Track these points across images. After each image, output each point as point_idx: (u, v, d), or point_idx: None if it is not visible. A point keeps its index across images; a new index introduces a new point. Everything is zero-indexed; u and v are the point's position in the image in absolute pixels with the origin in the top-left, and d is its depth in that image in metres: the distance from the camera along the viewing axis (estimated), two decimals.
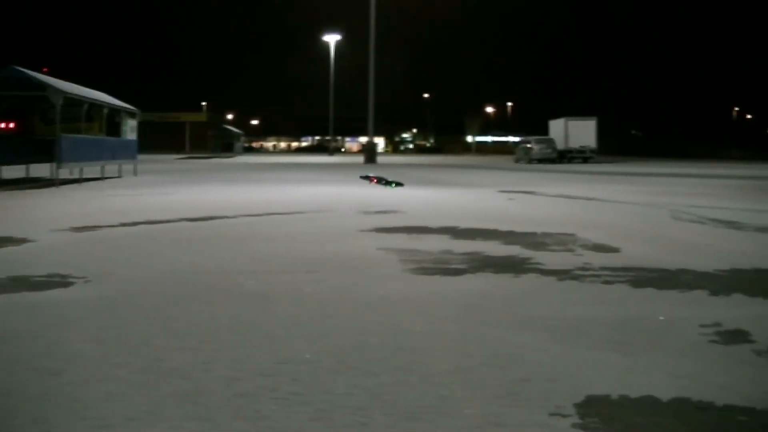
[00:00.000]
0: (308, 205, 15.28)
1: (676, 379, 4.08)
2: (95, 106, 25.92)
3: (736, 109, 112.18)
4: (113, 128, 28.34)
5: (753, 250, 9.22)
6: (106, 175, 26.47)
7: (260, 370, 4.18)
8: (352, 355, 4.49)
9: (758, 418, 3.55)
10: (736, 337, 5.00)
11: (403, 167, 43.46)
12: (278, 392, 3.82)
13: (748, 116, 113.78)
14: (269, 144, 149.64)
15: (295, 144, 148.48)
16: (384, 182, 23.68)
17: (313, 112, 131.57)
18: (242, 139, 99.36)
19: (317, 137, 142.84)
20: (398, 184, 22.92)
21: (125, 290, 6.44)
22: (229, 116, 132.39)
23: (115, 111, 28.51)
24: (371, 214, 13.51)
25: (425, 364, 4.32)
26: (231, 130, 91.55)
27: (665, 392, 3.84)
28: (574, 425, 3.41)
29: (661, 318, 5.52)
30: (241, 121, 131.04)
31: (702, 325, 5.27)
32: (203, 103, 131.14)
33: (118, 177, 26.89)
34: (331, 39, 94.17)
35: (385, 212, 13.82)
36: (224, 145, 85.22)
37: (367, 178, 25.77)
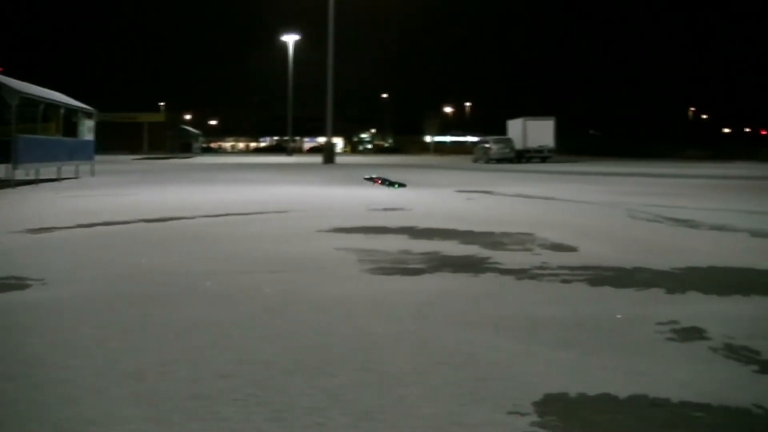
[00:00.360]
0: (266, 206, 15.22)
1: (633, 376, 4.11)
2: (52, 106, 25.69)
3: (693, 109, 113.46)
4: (70, 129, 28.09)
5: (708, 248, 9.31)
6: (63, 176, 26.22)
7: (218, 371, 4.16)
8: (310, 355, 4.47)
9: (713, 414, 3.58)
10: (692, 334, 5.04)
11: (362, 168, 43.43)
12: (236, 393, 3.80)
13: (704, 116, 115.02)
14: (228, 144, 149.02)
15: (253, 144, 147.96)
16: (387, 183, 23.86)
17: (271, 113, 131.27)
18: (200, 139, 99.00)
19: (276, 137, 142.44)
20: (401, 185, 23.13)
21: (82, 292, 6.37)
22: (188, 116, 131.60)
23: (71, 111, 28.24)
24: (329, 214, 13.49)
25: (383, 364, 4.32)
26: (189, 131, 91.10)
27: (622, 390, 3.86)
28: (532, 423, 3.42)
29: (618, 316, 5.56)
30: (199, 122, 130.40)
31: (658, 323, 5.31)
32: (161, 104, 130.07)
33: (75, 178, 26.63)
34: (290, 39, 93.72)
35: (342, 212, 13.80)
36: (182, 146, 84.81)
37: (371, 179, 25.79)
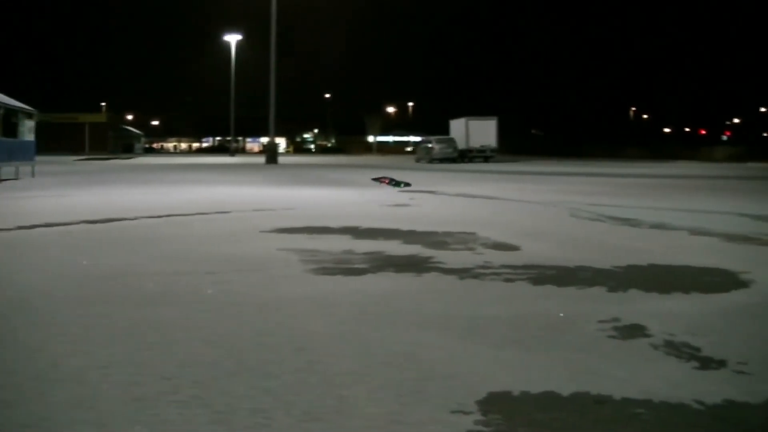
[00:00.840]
0: (208, 206, 15.08)
1: (576, 374, 4.13)
2: None
3: (634, 109, 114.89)
4: (10, 129, 27.64)
5: (649, 246, 9.41)
6: (2, 177, 25.78)
7: (159, 373, 4.10)
8: (253, 356, 4.44)
9: (655, 410, 3.61)
10: (633, 331, 5.09)
11: (305, 168, 43.34)
12: (178, 395, 3.75)
13: (645, 116, 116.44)
14: (170, 145, 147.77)
15: (196, 145, 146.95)
16: (394, 183, 24.05)
17: (214, 113, 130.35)
18: (143, 140, 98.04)
19: (218, 138, 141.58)
20: (406, 184, 23.40)
21: (21, 294, 6.25)
22: (130, 117, 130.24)
23: (11, 111, 27.79)
24: (272, 214, 13.42)
25: (326, 365, 4.29)
26: (131, 131, 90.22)
27: (565, 387, 3.88)
28: (476, 422, 3.42)
29: (561, 314, 5.59)
30: (141, 122, 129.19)
31: (600, 321, 5.35)
32: (102, 104, 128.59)
33: (15, 179, 26.20)
34: (232, 39, 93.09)
35: (286, 212, 13.75)
36: (124, 146, 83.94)
37: (378, 180, 25.79)
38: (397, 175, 28.45)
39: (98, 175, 32.39)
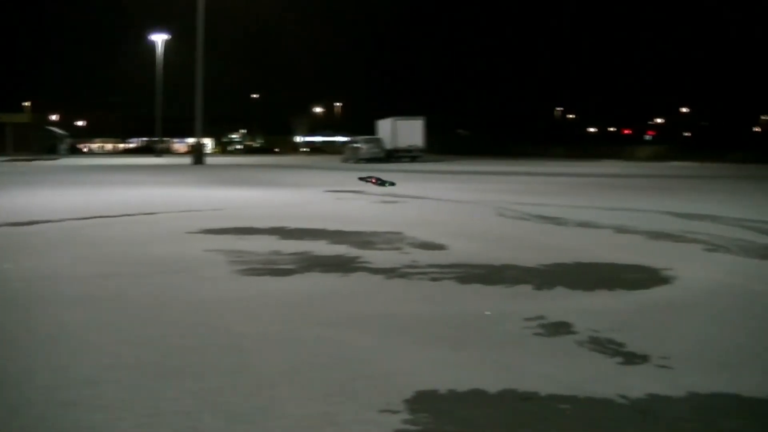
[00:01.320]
0: (134, 207, 14.87)
1: (502, 371, 4.15)
2: None
3: (559, 109, 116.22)
4: None
5: (574, 244, 9.52)
6: None
7: (84, 377, 4.04)
8: (180, 358, 4.39)
9: (580, 405, 3.65)
10: (558, 328, 5.14)
11: (232, 168, 43.03)
12: (104, 399, 3.70)
13: (571, 116, 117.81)
14: (96, 145, 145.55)
15: (122, 145, 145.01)
16: (380, 182, 24.13)
17: (140, 113, 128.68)
18: (67, 140, 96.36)
19: (145, 138, 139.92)
20: (391, 183, 23.57)
21: None
22: (54, 117, 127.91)
23: None
24: (199, 215, 13.29)
25: (254, 366, 4.27)
26: (55, 131, 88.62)
27: (492, 385, 3.90)
28: (404, 421, 3.42)
29: (488, 313, 5.62)
30: (67, 123, 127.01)
31: (526, 319, 5.39)
32: (25, 104, 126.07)
33: None
34: (159, 38, 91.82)
35: (212, 213, 13.63)
36: (49, 147, 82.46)
37: (365, 179, 25.69)
38: (324, 176, 28.39)
39: (21, 176, 31.73)
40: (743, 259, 8.43)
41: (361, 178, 26.50)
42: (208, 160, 56.19)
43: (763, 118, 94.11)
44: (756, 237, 10.18)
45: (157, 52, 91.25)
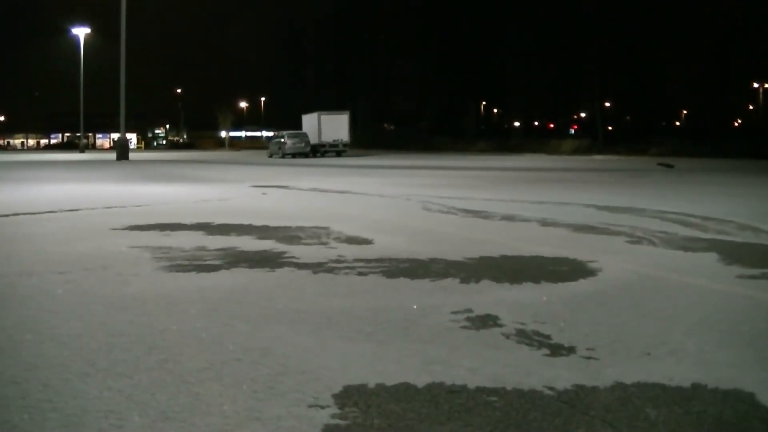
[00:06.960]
0: (57, 204, 14.62)
1: (429, 365, 4.16)
2: None
3: (484, 103, 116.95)
4: None
5: (500, 237, 9.59)
6: None
7: (8, 377, 3.95)
8: (104, 356, 4.31)
9: (507, 397, 3.66)
10: (485, 321, 5.16)
11: (157, 164, 42.60)
12: (27, 400, 3.62)
13: (495, 110, 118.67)
14: (17, 141, 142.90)
15: (44, 141, 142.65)
16: None
17: (62, 108, 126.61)
18: None
19: (68, 134, 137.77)
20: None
21: None
22: None
23: None
24: (123, 211, 13.13)
25: (179, 363, 4.21)
26: None
27: (419, 378, 3.90)
28: (332, 416, 3.41)
29: (414, 306, 5.62)
30: None
31: (453, 312, 5.41)
32: None
33: None
34: (81, 32, 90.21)
35: (137, 210, 13.47)
36: None
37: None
38: (249, 171, 28.18)
39: None
40: (665, 250, 8.57)
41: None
42: (132, 155, 55.49)
43: (684, 112, 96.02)
44: (678, 229, 10.36)
45: (79, 45, 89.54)
